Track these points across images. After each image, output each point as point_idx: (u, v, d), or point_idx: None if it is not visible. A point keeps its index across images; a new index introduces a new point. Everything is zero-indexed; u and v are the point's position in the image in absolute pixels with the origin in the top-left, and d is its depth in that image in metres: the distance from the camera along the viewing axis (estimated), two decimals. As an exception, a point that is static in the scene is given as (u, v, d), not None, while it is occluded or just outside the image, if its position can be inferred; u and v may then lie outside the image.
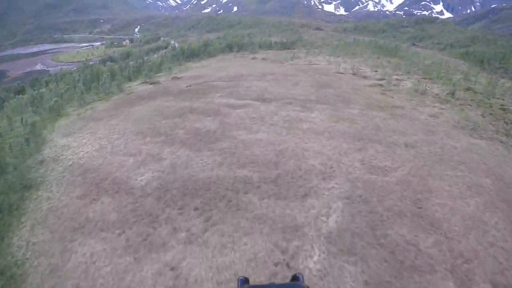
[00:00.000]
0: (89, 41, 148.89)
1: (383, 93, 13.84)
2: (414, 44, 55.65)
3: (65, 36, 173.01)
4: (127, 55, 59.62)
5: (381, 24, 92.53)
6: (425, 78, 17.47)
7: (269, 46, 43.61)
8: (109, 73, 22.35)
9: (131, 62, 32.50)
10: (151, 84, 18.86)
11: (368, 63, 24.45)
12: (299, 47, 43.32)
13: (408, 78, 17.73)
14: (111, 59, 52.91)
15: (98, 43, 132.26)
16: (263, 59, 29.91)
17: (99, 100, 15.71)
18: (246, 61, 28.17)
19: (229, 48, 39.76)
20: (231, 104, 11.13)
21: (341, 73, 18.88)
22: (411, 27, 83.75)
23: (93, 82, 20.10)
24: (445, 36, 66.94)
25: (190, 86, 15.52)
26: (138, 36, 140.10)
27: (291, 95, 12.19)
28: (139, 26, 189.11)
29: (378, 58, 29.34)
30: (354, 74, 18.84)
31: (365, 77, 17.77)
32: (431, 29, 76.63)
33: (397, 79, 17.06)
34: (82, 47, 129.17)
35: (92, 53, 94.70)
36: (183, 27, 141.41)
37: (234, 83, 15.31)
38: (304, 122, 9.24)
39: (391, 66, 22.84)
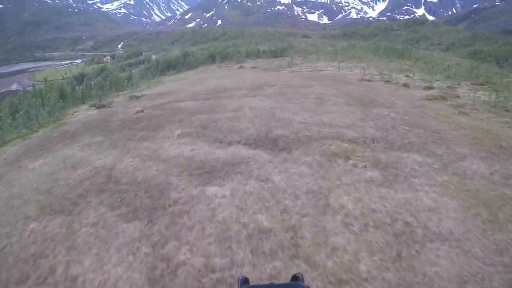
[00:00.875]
0: (70, 59, 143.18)
1: (462, 112, 8.02)
2: (414, 46, 50.85)
3: (47, 54, 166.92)
4: (102, 71, 53.54)
5: (371, 28, 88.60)
6: (476, 84, 12.11)
7: (257, 55, 38.23)
8: (49, 95, 16.48)
9: (95, 80, 26.51)
10: (98, 108, 12.74)
11: (387, 67, 18.73)
12: (291, 54, 37.92)
13: (459, 85, 12.11)
14: (82, 76, 46.85)
15: (79, 60, 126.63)
16: (252, 67, 24.19)
17: (20, 138, 9.58)
18: (232, 71, 22.43)
19: (212, 58, 33.96)
20: (200, 163, 4.85)
21: (369, 81, 12.97)
22: (402, 30, 79.67)
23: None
24: (442, 37, 62.56)
25: (141, 111, 9.33)
26: (120, 52, 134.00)
27: (330, 128, 5.93)
28: (122, 42, 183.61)
29: (391, 62, 24.70)
30: (386, 81, 12.99)
31: (406, 86, 11.92)
32: (423, 31, 72.49)
33: (448, 87, 11.47)
34: (63, 64, 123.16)
35: (70, 71, 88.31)
36: (166, 41, 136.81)
37: (214, 102, 9.21)
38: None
39: (418, 69, 17.49)
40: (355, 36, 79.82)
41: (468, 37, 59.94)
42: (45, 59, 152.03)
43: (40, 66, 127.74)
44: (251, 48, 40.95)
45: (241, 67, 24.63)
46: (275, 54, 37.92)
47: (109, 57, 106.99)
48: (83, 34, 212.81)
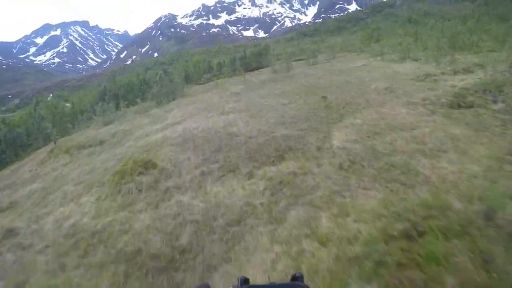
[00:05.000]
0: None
1: None
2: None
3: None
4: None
5: (333, 22, 71.59)
6: None
7: (211, 72, 17.26)
8: None
9: None
10: None
11: None
12: (272, 60, 17.76)
13: None
14: None
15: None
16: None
17: None
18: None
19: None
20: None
21: None
22: (373, 16, 61.97)
23: None
24: (443, 11, 44.30)
25: None
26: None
27: None
28: (51, 94, 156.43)
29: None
30: None
31: None
32: (401, 12, 54.64)
33: None
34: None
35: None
36: (98, 83, 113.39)
37: None
38: None
39: None
40: (318, 33, 61.15)
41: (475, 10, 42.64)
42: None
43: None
44: (194, 64, 20.05)
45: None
46: (247, 64, 17.20)
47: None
48: (9, 93, 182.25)
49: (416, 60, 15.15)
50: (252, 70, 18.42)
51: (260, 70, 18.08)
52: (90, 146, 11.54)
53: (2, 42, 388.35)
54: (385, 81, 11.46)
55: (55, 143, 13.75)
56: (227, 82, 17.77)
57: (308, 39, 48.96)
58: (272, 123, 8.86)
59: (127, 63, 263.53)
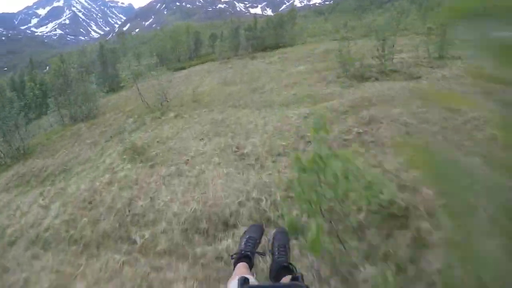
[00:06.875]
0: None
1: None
2: None
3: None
4: None
5: (353, 2, 63.86)
6: None
7: (199, 49, 10.18)
8: None
9: None
10: None
11: None
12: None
13: None
14: None
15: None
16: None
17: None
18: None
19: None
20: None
21: None
22: (400, 0, 54.33)
23: None
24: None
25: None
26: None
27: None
28: (47, 67, 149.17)
29: None
30: None
31: None
32: None
33: None
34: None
35: None
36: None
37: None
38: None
39: None
40: (335, 13, 54.25)
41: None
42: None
43: None
44: (172, 37, 12.76)
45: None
46: (258, 39, 10.10)
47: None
48: (5, 65, 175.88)
49: None
50: (264, 49, 11.37)
51: (283, 50, 10.74)
52: None
53: (3, 13, 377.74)
54: None
55: None
56: (208, 77, 10.49)
57: (333, 17, 41.97)
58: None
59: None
